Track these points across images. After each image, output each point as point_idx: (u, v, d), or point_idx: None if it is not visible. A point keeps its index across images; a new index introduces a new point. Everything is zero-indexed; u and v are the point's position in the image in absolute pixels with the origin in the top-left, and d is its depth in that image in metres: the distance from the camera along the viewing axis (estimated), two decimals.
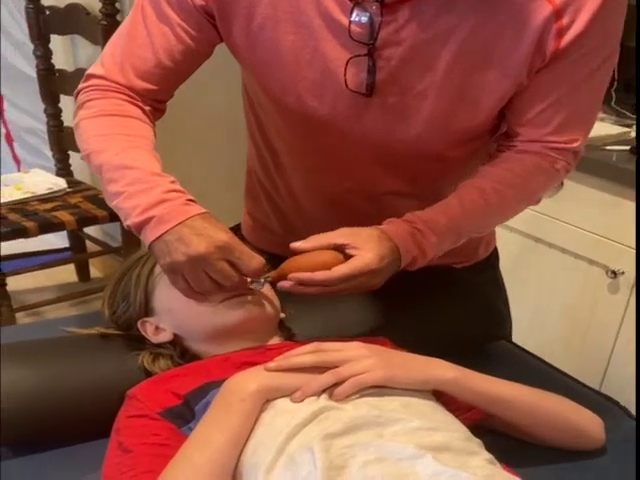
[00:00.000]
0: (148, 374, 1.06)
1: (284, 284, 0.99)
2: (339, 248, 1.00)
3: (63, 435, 1.02)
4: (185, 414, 0.92)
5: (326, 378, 0.88)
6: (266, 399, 0.86)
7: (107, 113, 1.09)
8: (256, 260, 0.97)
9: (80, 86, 1.14)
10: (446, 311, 1.29)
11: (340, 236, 1.00)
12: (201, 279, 0.96)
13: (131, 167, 1.00)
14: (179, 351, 1.09)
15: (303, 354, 0.91)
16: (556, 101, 1.07)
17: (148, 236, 0.97)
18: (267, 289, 1.06)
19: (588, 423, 1.02)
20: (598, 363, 1.95)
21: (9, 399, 0.98)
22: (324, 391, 0.88)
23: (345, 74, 1.06)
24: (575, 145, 1.11)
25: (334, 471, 0.76)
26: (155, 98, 1.14)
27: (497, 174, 1.13)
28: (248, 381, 0.87)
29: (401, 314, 1.24)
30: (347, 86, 1.06)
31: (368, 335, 1.12)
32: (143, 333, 1.09)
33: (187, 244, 0.93)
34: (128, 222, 0.98)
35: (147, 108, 1.12)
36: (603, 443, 1.02)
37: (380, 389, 0.89)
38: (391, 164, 1.17)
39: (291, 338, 1.14)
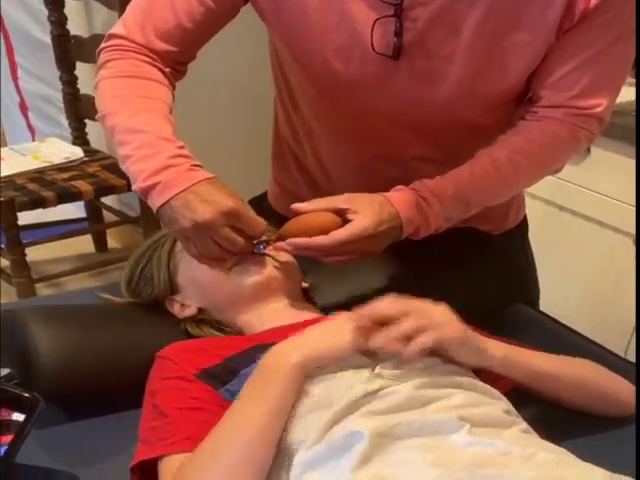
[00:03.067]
0: (190, 338, 1.06)
1: (281, 246, 1.00)
2: (340, 212, 1.00)
3: (102, 396, 1.02)
4: (223, 375, 0.91)
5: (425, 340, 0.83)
6: (308, 369, 0.83)
7: (126, 74, 1.08)
8: (262, 224, 0.98)
9: (101, 45, 1.13)
10: (472, 276, 1.27)
11: (342, 200, 1.01)
12: (208, 245, 0.96)
13: (141, 131, 1.00)
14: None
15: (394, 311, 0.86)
16: (581, 64, 1.05)
17: (155, 202, 0.96)
18: (280, 253, 1.06)
19: (624, 391, 1.00)
20: (623, 332, 1.93)
21: (49, 354, 0.99)
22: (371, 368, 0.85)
23: (372, 36, 1.04)
24: (598, 110, 1.09)
25: (378, 439, 0.76)
26: (176, 60, 1.12)
27: (513, 142, 1.11)
28: (289, 353, 0.83)
29: (426, 278, 1.21)
30: (374, 49, 1.05)
31: None
32: (170, 310, 1.10)
33: (193, 210, 0.93)
34: (135, 187, 0.99)
35: (167, 70, 1.11)
36: (633, 409, 1.00)
37: (430, 368, 0.87)
38: (420, 130, 1.15)
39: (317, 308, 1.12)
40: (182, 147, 0.99)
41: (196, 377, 0.90)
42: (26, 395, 0.78)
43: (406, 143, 1.17)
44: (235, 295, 1.04)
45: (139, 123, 1.01)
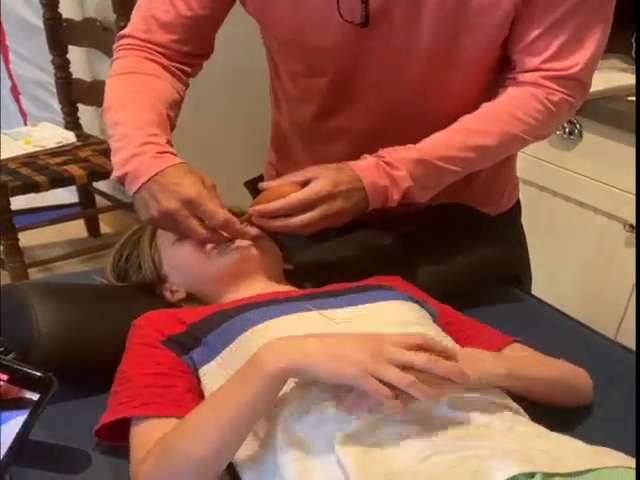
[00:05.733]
0: None
1: (251, 221, 1.01)
2: (304, 184, 1.01)
3: (101, 368, 1.00)
4: (187, 343, 0.92)
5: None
6: (289, 378, 0.78)
7: (122, 72, 1.14)
8: (220, 215, 0.97)
9: (114, 46, 1.19)
10: (461, 250, 1.27)
11: (303, 172, 1.02)
12: (180, 231, 1.01)
13: (120, 123, 1.05)
14: None
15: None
16: (552, 25, 1.05)
17: (129, 192, 1.01)
18: (254, 233, 1.06)
19: (586, 384, 1.00)
20: (613, 317, 1.94)
21: (51, 324, 0.99)
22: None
23: (338, 4, 1.05)
24: (575, 71, 1.08)
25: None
26: (185, 51, 1.17)
27: (486, 108, 1.11)
28: (278, 355, 0.76)
29: (415, 250, 1.23)
30: (342, 17, 1.06)
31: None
32: (162, 295, 1.11)
33: (158, 201, 0.96)
34: (111, 178, 1.04)
35: (173, 64, 1.16)
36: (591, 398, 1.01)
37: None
38: (406, 105, 1.16)
39: (301, 287, 1.12)
40: (154, 135, 1.02)
41: (161, 343, 0.91)
42: (40, 375, 0.79)
43: (394, 121, 1.18)
44: (215, 277, 1.05)
45: (120, 116, 1.06)
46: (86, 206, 2.90)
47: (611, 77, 1.86)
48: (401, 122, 1.18)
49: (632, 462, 0.72)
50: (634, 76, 1.94)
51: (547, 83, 1.09)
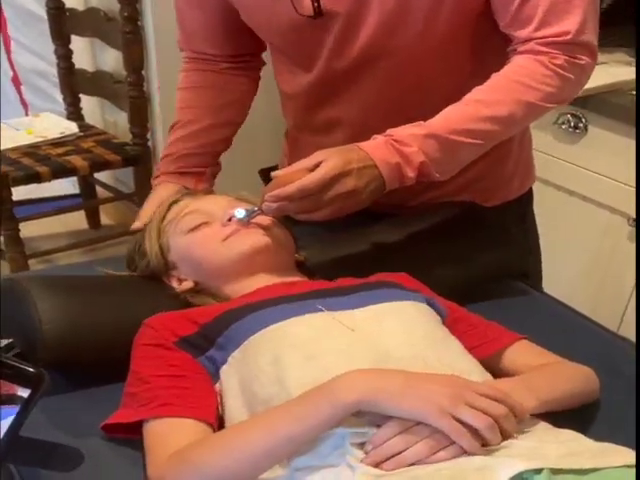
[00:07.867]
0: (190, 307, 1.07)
1: (267, 206, 1.01)
2: (314, 168, 1.00)
3: (104, 363, 1.02)
4: (201, 344, 0.92)
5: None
6: (363, 408, 0.74)
7: (180, 86, 1.34)
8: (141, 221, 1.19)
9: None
10: (463, 248, 1.27)
11: (313, 157, 1.02)
12: None
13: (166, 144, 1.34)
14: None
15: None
16: None
17: None
18: (268, 222, 1.06)
19: (594, 387, 0.98)
20: (616, 311, 1.94)
21: (52, 321, 0.99)
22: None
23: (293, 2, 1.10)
24: (568, 38, 1.06)
25: None
26: (233, 54, 1.29)
27: (495, 78, 1.10)
28: (352, 388, 0.74)
29: (416, 249, 1.24)
30: (297, 11, 1.10)
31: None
32: (169, 284, 1.11)
33: None
34: None
35: (225, 65, 1.30)
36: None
37: None
38: (381, 93, 1.18)
39: (312, 278, 1.12)
40: (167, 156, 1.31)
41: (175, 345, 0.91)
42: (32, 370, 0.78)
43: (383, 111, 1.18)
44: (225, 266, 1.04)
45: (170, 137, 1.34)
46: (87, 197, 2.90)
47: (617, 71, 1.85)
48: (391, 112, 1.16)
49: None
50: None
51: (545, 49, 1.07)
